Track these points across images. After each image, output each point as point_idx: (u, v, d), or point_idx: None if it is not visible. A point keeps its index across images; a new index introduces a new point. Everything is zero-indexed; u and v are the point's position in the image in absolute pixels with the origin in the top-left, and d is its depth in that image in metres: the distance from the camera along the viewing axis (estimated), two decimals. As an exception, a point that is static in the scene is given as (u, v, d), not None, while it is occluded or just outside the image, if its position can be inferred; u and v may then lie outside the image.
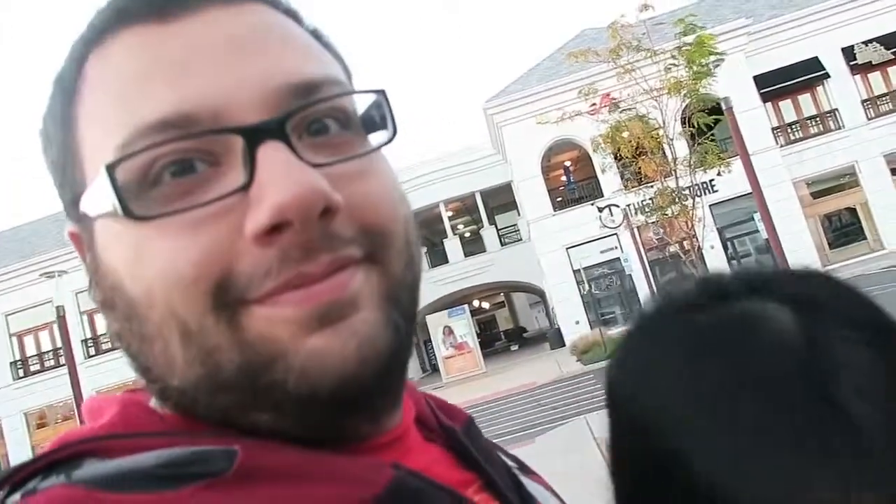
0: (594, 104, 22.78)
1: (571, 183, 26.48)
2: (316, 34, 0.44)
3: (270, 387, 0.36)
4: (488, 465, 0.46)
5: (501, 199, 30.04)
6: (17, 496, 0.34)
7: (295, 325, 0.36)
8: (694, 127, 6.86)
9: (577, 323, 23.24)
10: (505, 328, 41.46)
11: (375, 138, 0.42)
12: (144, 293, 0.37)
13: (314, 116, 0.39)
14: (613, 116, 7.56)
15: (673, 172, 7.22)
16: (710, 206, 7.54)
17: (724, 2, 27.77)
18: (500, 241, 28.78)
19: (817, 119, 24.98)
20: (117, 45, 0.39)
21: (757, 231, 22.55)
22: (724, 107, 8.00)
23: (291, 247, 0.36)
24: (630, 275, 22.53)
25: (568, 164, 26.64)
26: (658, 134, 7.32)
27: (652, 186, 7.91)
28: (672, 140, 7.22)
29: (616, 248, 23.64)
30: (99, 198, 0.38)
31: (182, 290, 0.36)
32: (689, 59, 6.54)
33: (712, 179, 7.52)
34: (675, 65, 6.81)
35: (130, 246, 0.37)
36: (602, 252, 24.05)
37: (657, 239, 23.63)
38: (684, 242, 22.50)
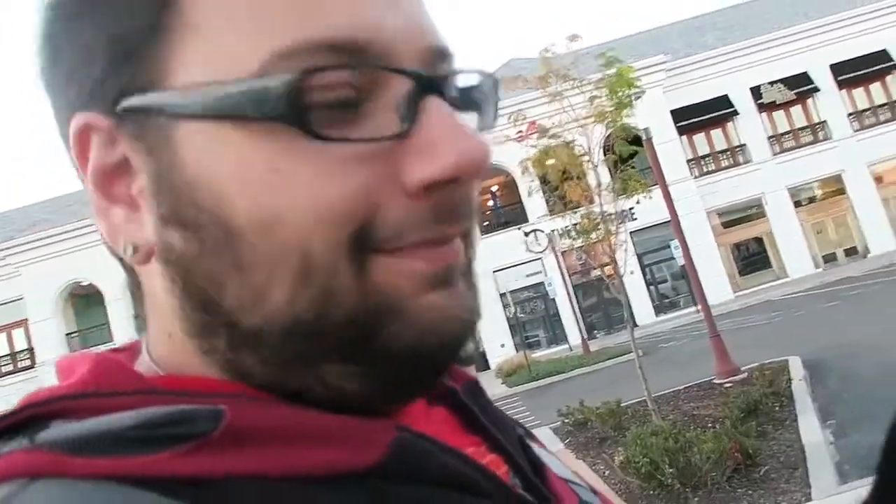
0: (521, 131, 23.49)
1: (498, 207, 26.95)
2: None
3: (377, 336, 0.35)
4: (495, 427, 0.45)
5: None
6: None
7: (419, 278, 0.35)
8: (616, 155, 7.13)
9: (503, 346, 23.51)
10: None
11: (479, 123, 0.41)
12: (269, 217, 0.33)
13: (456, 88, 0.39)
14: (542, 142, 7.73)
15: (598, 197, 7.44)
16: (629, 232, 7.83)
17: (644, 39, 29.24)
18: (428, 263, 28.87)
19: (728, 153, 26.48)
20: None
21: (673, 258, 23.60)
22: (643, 137, 8.34)
23: (445, 205, 0.35)
24: (554, 298, 23.05)
25: (495, 188, 27.11)
26: (583, 160, 7.55)
27: (576, 212, 8.11)
28: (596, 166, 7.45)
29: (541, 272, 24.16)
30: (233, 98, 0.33)
31: (323, 224, 0.33)
32: (611, 90, 6.82)
33: (632, 207, 7.78)
34: (598, 95, 7.09)
35: (262, 162, 0.33)
36: (527, 276, 24.53)
37: (581, 263, 24.39)
38: (607, 267, 23.53)
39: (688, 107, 25.46)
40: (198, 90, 0.34)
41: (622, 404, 8.08)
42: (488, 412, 0.46)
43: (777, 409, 6.72)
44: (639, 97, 7.36)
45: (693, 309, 23.10)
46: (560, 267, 20.48)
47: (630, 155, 7.26)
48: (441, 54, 0.38)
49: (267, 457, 0.32)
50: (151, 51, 0.35)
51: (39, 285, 24.32)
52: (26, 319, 24.97)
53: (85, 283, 24.67)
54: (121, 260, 0.39)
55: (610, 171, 7.74)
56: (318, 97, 0.33)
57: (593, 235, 7.30)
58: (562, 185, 8.08)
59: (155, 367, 0.39)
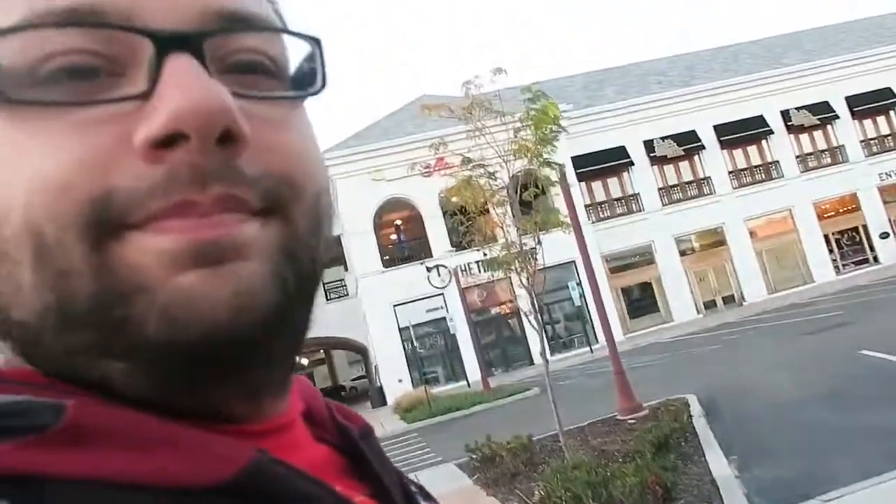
0: (429, 166, 23.74)
1: (402, 241, 26.86)
2: None
3: (125, 323, 0.32)
4: (383, 474, 0.42)
5: (329, 253, 29.61)
6: None
7: (167, 256, 0.32)
8: (537, 189, 7.24)
9: (401, 381, 23.19)
10: (323, 386, 40.26)
11: (300, 92, 0.39)
12: (2, 200, 0.32)
13: (240, 52, 0.36)
14: (462, 173, 7.72)
15: (513, 231, 7.49)
16: (521, 275, 7.90)
17: (547, 88, 30.42)
18: (326, 295, 28.25)
19: (622, 201, 27.85)
20: None
21: (570, 298, 24.36)
22: (556, 175, 8.49)
23: (182, 166, 0.32)
24: (455, 334, 23.06)
25: (399, 222, 27.04)
26: (502, 193, 7.59)
27: (490, 246, 8.13)
28: (514, 201, 7.51)
29: (442, 307, 24.15)
30: None
31: (48, 197, 0.31)
32: (536, 125, 6.93)
33: (540, 242, 7.89)
34: (521, 129, 7.18)
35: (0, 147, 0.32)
36: (428, 311, 24.45)
37: (481, 300, 24.65)
38: (510, 303, 23.92)
39: (587, 154, 26.63)
40: None
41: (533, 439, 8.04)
42: (379, 459, 0.44)
43: (683, 444, 6.91)
44: (558, 134, 7.50)
45: (586, 349, 23.83)
46: (463, 303, 20.48)
47: (535, 195, 7.37)
48: (222, 17, 0.35)
49: (105, 459, 0.30)
50: None
51: None
52: None
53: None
54: None
55: (518, 207, 7.82)
56: (53, 63, 0.32)
57: (515, 266, 7.29)
58: (478, 217, 8.09)
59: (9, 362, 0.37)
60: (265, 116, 0.35)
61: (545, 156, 7.28)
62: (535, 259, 7.38)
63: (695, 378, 11.63)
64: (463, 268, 23.39)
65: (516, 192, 7.67)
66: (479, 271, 23.76)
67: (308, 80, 0.39)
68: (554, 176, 7.97)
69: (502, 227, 7.82)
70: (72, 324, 0.32)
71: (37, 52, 0.32)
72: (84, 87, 0.32)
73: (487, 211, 8.02)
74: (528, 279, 7.30)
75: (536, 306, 7.29)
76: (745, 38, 35.49)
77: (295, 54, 0.39)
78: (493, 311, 25.57)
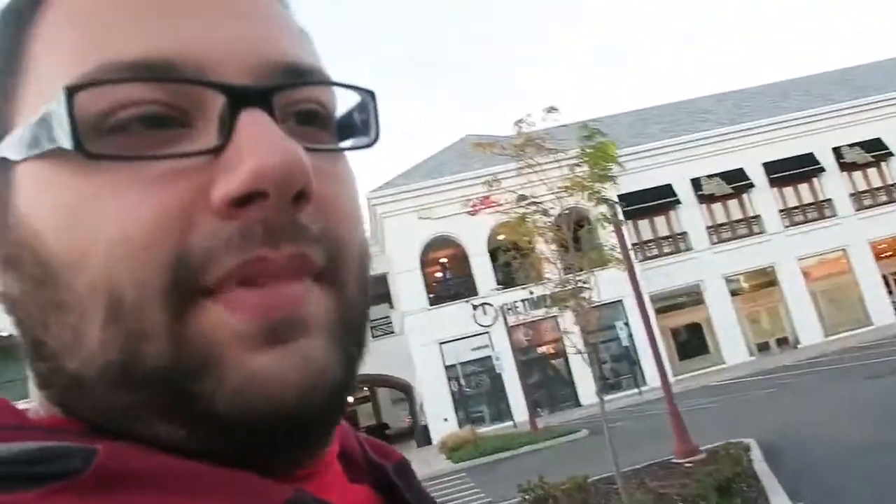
0: (475, 204, 23.94)
1: (447, 279, 26.95)
2: (301, 29, 0.40)
3: (194, 396, 0.31)
4: None
5: (375, 291, 29.84)
6: None
7: (241, 335, 0.32)
8: (590, 225, 7.28)
9: (446, 420, 23.01)
10: (367, 424, 40.17)
11: (353, 142, 0.39)
12: (75, 253, 0.32)
13: (298, 103, 0.36)
14: (517, 209, 7.80)
15: (570, 268, 7.50)
16: (572, 313, 7.89)
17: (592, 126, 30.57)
18: (371, 333, 28.33)
19: (669, 239, 27.49)
20: None
21: (618, 339, 23.96)
22: (608, 213, 8.49)
23: (255, 223, 0.32)
24: (500, 373, 22.85)
25: (445, 260, 27.18)
26: (557, 231, 7.63)
27: (544, 283, 8.14)
28: (570, 237, 7.53)
29: (488, 346, 24.02)
30: (39, 132, 0.33)
31: (130, 257, 0.31)
32: (593, 162, 6.99)
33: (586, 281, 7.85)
34: (578, 166, 7.25)
35: (68, 195, 0.32)
36: (474, 349, 24.34)
37: (527, 340, 24.44)
38: (554, 343, 23.64)
39: (632, 193, 26.49)
40: (21, 130, 0.34)
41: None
42: (417, 495, 0.43)
43: (745, 489, 6.71)
44: (611, 171, 7.54)
45: (634, 391, 23.31)
46: (510, 342, 20.35)
47: (588, 231, 7.39)
48: (284, 70, 0.35)
49: (137, 503, 0.30)
50: (4, 99, 0.36)
51: None
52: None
53: (4, 335, 23.06)
54: None
55: (572, 245, 7.83)
56: (125, 114, 0.32)
57: (570, 303, 7.28)
58: (529, 254, 8.12)
59: (40, 413, 0.37)
60: (322, 169, 0.35)
61: (601, 192, 7.31)
62: (590, 296, 7.35)
63: (752, 422, 11.27)
64: (509, 306, 23.31)
65: (570, 229, 7.70)
66: (525, 309, 23.68)
67: (357, 130, 0.39)
68: (608, 212, 7.98)
69: (556, 264, 7.84)
70: (135, 386, 0.32)
71: (107, 102, 0.32)
72: (153, 139, 0.32)
73: (537, 248, 8.06)
74: (582, 316, 7.27)
75: (590, 344, 7.23)
76: (794, 75, 35.08)
77: (343, 103, 0.39)
78: (539, 350, 25.31)
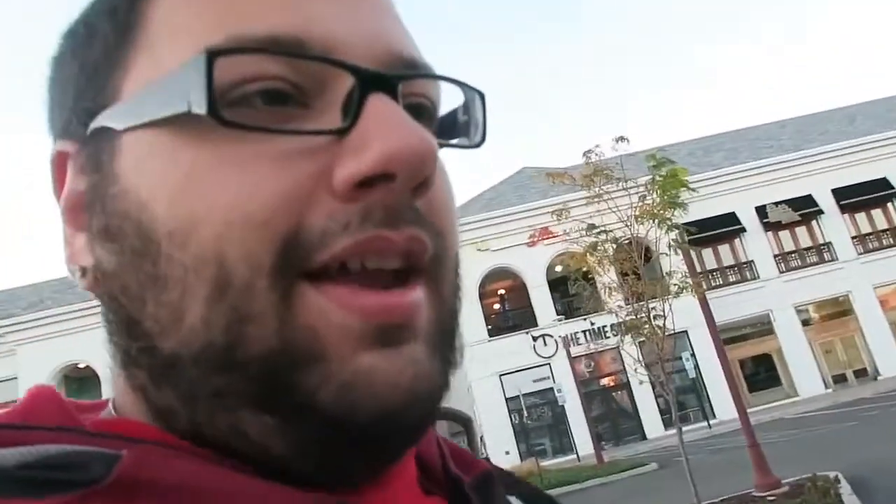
0: (532, 236, 23.97)
1: (506, 310, 26.89)
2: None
3: (297, 387, 0.30)
4: None
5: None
6: None
7: (350, 332, 0.31)
8: (653, 253, 7.25)
9: (508, 453, 22.74)
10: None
11: (459, 141, 0.39)
12: (185, 223, 0.31)
13: (413, 96, 0.36)
14: (587, 238, 7.83)
15: (640, 297, 7.45)
16: (638, 343, 7.81)
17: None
18: (430, 364, 28.46)
19: (735, 268, 26.79)
20: None
21: (684, 370, 23.34)
22: (679, 240, 8.40)
23: (377, 206, 0.31)
24: (563, 405, 22.53)
25: (503, 292, 27.17)
26: (630, 258, 7.62)
27: (616, 311, 8.09)
28: (642, 265, 7.50)
29: (549, 377, 23.76)
30: (160, 99, 0.32)
31: (244, 232, 0.30)
32: (663, 190, 7.00)
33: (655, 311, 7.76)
34: (647, 194, 7.27)
35: (185, 163, 0.31)
36: (535, 381, 24.11)
37: (589, 371, 24.10)
38: (617, 375, 23.22)
39: (695, 221, 26.00)
40: (133, 99, 0.33)
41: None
42: None
43: (836, 523, 6.43)
44: (685, 205, 7.51)
45: (702, 424, 22.57)
46: (572, 373, 20.09)
47: (655, 259, 7.34)
48: (404, 61, 0.35)
49: None
50: (110, 72, 0.35)
51: (35, 365, 23.77)
52: (17, 400, 24.26)
53: (82, 366, 24.14)
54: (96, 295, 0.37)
55: (641, 271, 7.78)
56: (248, 87, 0.31)
57: (644, 331, 7.22)
58: (598, 282, 8.12)
59: (111, 409, 0.37)
60: None
61: (673, 220, 7.29)
62: (664, 324, 7.28)
63: (834, 455, 10.78)
64: (570, 337, 23.07)
65: (640, 257, 7.67)
66: (587, 340, 23.40)
67: (460, 130, 0.39)
68: (679, 239, 7.93)
69: (623, 293, 7.80)
70: (234, 368, 0.30)
71: (234, 74, 0.31)
72: (272, 115, 0.32)
73: (605, 277, 8.04)
74: (656, 345, 7.19)
75: (666, 374, 7.14)
76: (860, 99, 34.11)
77: (448, 102, 0.39)
78: (602, 382, 24.87)
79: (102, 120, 0.34)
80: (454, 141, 0.39)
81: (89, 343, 22.85)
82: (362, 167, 0.31)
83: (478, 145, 0.39)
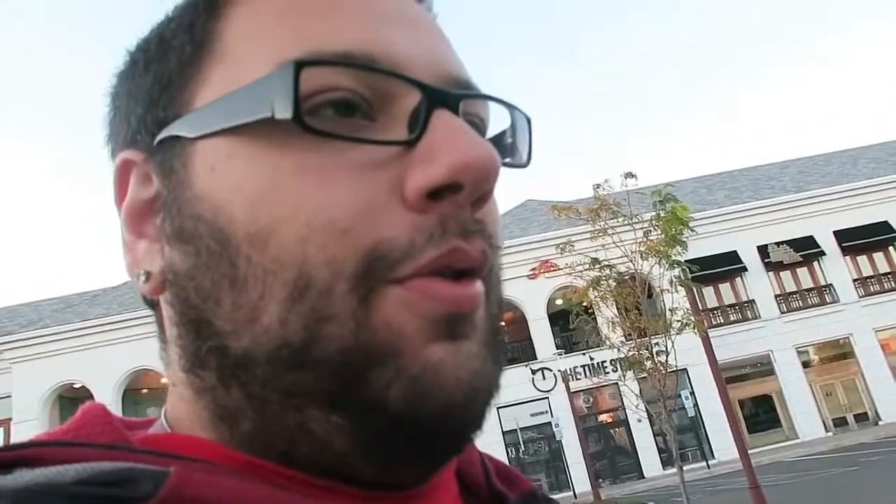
0: (534, 268, 23.95)
1: (506, 343, 26.72)
2: None
3: (370, 383, 0.31)
4: None
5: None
6: None
7: (427, 321, 0.32)
8: (656, 289, 7.26)
9: (503, 488, 22.38)
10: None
11: (509, 160, 0.40)
12: (265, 227, 0.32)
13: (469, 115, 0.37)
14: (589, 273, 7.84)
15: (643, 333, 7.43)
16: (637, 380, 7.76)
17: (650, 192, 30.52)
18: (428, 394, 28.23)
19: (736, 307, 26.70)
20: None
21: (684, 408, 23.10)
22: (682, 277, 8.40)
23: (450, 218, 0.32)
24: (560, 440, 22.27)
25: (503, 324, 26.96)
26: (633, 294, 7.62)
27: (609, 348, 8.07)
28: (645, 300, 7.50)
29: (546, 412, 23.53)
30: (240, 106, 0.33)
31: (327, 239, 0.31)
32: (666, 227, 7.03)
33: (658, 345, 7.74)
34: (650, 230, 7.30)
35: (265, 169, 0.32)
36: (533, 415, 23.85)
37: (587, 407, 23.86)
38: (615, 412, 22.99)
39: (697, 259, 26.04)
40: (209, 107, 0.35)
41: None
42: None
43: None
44: (685, 243, 7.54)
45: (701, 464, 22.29)
46: (571, 408, 19.90)
47: (656, 295, 7.34)
48: (460, 82, 0.37)
49: None
50: (185, 83, 0.37)
51: (29, 384, 23.52)
52: (10, 419, 23.99)
53: (77, 385, 23.96)
54: (146, 301, 0.38)
55: (643, 307, 7.76)
56: (320, 97, 0.33)
57: (647, 366, 7.18)
58: (599, 316, 8.10)
59: (164, 423, 0.37)
60: None
61: (674, 256, 7.30)
62: (667, 360, 7.25)
63: (834, 501, 10.62)
64: (570, 372, 22.91)
65: (643, 293, 7.67)
66: (587, 375, 23.22)
67: (506, 151, 0.40)
68: (682, 276, 7.93)
69: (624, 328, 7.78)
70: (308, 366, 0.31)
71: (311, 85, 0.32)
72: (342, 125, 0.33)
73: (606, 312, 8.02)
74: (657, 381, 7.15)
75: (668, 411, 7.08)
76: (864, 142, 34.39)
77: (494, 125, 0.41)
78: (600, 419, 24.62)
79: (174, 129, 0.35)
80: (505, 160, 0.40)
81: (85, 363, 22.78)
82: (435, 177, 0.32)
83: (525, 165, 0.40)
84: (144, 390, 25.01)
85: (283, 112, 0.31)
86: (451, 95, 0.35)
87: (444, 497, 0.38)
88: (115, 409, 22.62)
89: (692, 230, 7.56)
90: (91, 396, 23.65)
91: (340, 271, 0.31)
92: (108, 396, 23.04)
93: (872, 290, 26.77)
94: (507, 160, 0.40)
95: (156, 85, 0.38)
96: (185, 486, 0.29)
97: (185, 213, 0.35)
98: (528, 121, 0.40)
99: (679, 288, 7.62)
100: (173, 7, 0.40)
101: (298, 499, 0.31)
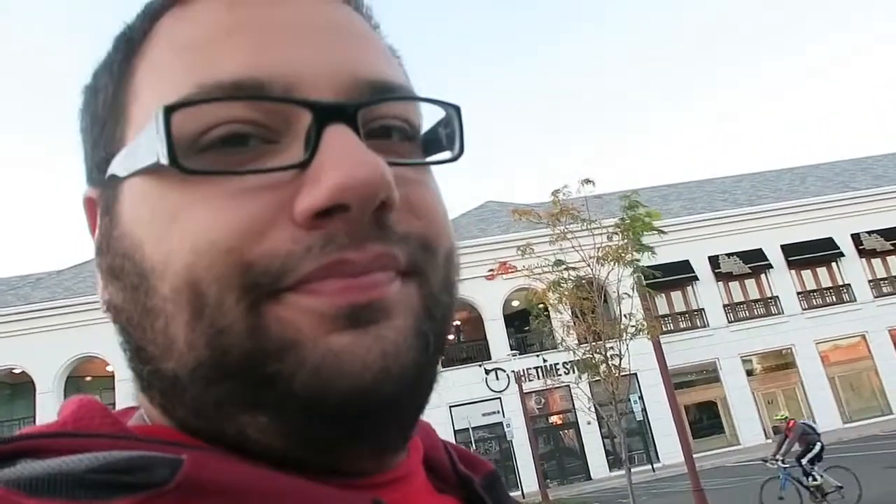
0: (492, 269, 24.10)
1: (460, 342, 26.84)
2: (391, 48, 0.43)
3: (275, 379, 0.33)
4: None
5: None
6: None
7: (319, 317, 0.33)
8: (605, 294, 7.40)
9: (453, 486, 22.48)
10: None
11: (438, 156, 0.41)
12: (163, 258, 0.34)
13: (383, 118, 0.38)
14: (551, 275, 7.94)
15: (598, 336, 7.56)
16: (588, 383, 7.91)
17: (611, 200, 31.03)
18: (380, 391, 28.12)
19: (686, 315, 27.37)
20: (199, 5, 0.38)
21: (632, 412, 23.57)
22: (639, 283, 8.59)
23: (339, 232, 0.33)
24: (511, 440, 22.47)
25: (458, 323, 27.14)
26: (590, 297, 7.74)
27: (564, 350, 8.20)
28: (601, 304, 7.63)
29: (498, 412, 23.71)
30: (142, 149, 0.35)
31: (212, 259, 0.33)
32: (633, 230, 7.17)
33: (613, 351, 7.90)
34: (615, 234, 7.43)
35: (164, 207, 0.34)
36: (485, 415, 24.01)
37: (538, 408, 24.13)
38: (565, 414, 23.37)
39: (651, 267, 26.50)
40: (126, 149, 0.37)
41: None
42: None
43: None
44: (651, 248, 7.69)
45: (646, 467, 22.76)
46: (523, 409, 20.10)
47: (618, 299, 7.48)
48: (372, 85, 0.37)
49: None
50: (114, 123, 0.38)
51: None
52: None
53: (17, 371, 23.11)
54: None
55: (599, 311, 7.90)
56: (211, 134, 0.34)
57: (600, 370, 7.32)
58: (553, 320, 8.21)
59: (144, 417, 0.39)
60: (406, 178, 0.37)
61: (638, 260, 7.45)
62: (621, 364, 7.39)
63: (774, 505, 10.97)
64: (523, 373, 23.13)
65: (601, 297, 7.81)
66: (540, 377, 23.48)
67: (443, 144, 0.40)
68: (639, 282, 8.10)
69: (579, 331, 7.91)
70: (223, 378, 0.33)
71: (200, 122, 0.34)
72: (241, 154, 0.34)
73: (563, 314, 8.14)
74: (612, 384, 7.29)
75: (619, 413, 7.22)
76: (811, 161, 35.62)
77: (428, 117, 0.41)
78: (550, 420, 24.93)
79: (112, 168, 0.37)
80: (435, 157, 0.40)
81: (27, 348, 21.98)
82: (315, 201, 0.32)
83: (455, 159, 0.40)
84: (89, 378, 24.26)
85: (163, 158, 0.33)
86: (343, 107, 0.35)
87: (416, 481, 0.40)
88: (58, 397, 21.97)
89: (662, 232, 7.71)
90: (32, 382, 22.86)
91: (228, 284, 0.32)
92: (49, 383, 22.32)
93: (815, 303, 27.77)
94: (441, 155, 0.40)
95: (94, 125, 0.40)
96: (199, 471, 0.31)
97: (114, 250, 0.37)
98: (457, 110, 0.40)
99: (636, 293, 7.78)
100: (107, 44, 0.41)
101: (302, 483, 0.32)
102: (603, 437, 24.29)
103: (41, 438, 0.32)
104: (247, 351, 0.33)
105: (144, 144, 0.35)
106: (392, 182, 0.33)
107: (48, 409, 21.89)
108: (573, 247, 7.85)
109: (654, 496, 15.42)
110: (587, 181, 8.10)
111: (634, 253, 7.22)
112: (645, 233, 7.14)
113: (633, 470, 23.10)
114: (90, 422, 0.35)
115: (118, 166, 0.37)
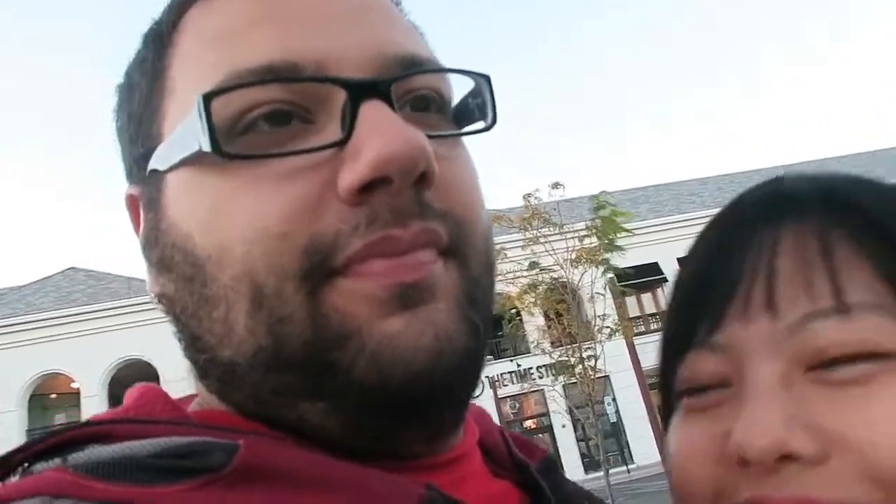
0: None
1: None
2: (414, 24, 0.44)
3: (335, 367, 0.33)
4: None
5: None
6: (17, 476, 0.32)
7: (372, 301, 0.33)
8: (591, 298, 7.43)
9: (429, 494, 22.38)
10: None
11: (470, 127, 0.41)
12: (218, 248, 0.34)
13: (416, 90, 0.38)
14: (525, 280, 7.95)
15: (573, 339, 7.58)
16: (563, 386, 7.97)
17: (580, 203, 31.35)
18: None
19: (657, 317, 27.69)
20: None
21: (606, 414, 23.73)
22: (612, 283, 8.63)
23: (382, 207, 0.34)
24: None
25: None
26: (564, 300, 7.77)
27: (538, 354, 8.22)
28: (574, 306, 7.66)
29: (473, 418, 23.68)
30: (181, 140, 0.36)
31: (267, 247, 0.33)
32: (604, 232, 7.21)
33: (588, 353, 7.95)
34: (587, 236, 7.48)
35: (210, 195, 0.35)
36: (459, 421, 23.96)
37: (513, 413, 24.16)
38: (539, 418, 23.44)
39: (621, 269, 26.79)
40: (166, 142, 0.37)
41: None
42: (562, 493, 0.43)
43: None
44: (623, 250, 7.75)
45: (622, 468, 22.92)
46: (498, 415, 20.12)
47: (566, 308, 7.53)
48: (401, 61, 0.37)
49: (277, 498, 0.31)
50: (151, 119, 0.39)
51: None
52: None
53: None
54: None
55: (573, 313, 7.93)
56: (252, 114, 0.34)
57: (578, 369, 7.34)
58: (555, 321, 8.22)
59: (203, 405, 0.40)
60: (441, 155, 0.36)
61: (611, 262, 7.50)
62: (596, 365, 7.42)
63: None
64: (496, 378, 23.12)
65: (574, 299, 7.84)
66: (512, 382, 23.50)
67: (474, 115, 0.41)
68: (611, 284, 8.15)
69: (562, 333, 7.92)
70: (282, 366, 0.34)
71: (237, 106, 0.34)
72: (280, 135, 0.35)
73: (535, 318, 8.15)
74: (588, 386, 7.31)
75: (596, 415, 7.25)
76: (779, 162, 36.44)
77: (458, 90, 0.41)
78: (525, 424, 24.98)
79: (152, 163, 0.38)
80: (469, 128, 0.40)
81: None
82: (356, 175, 0.33)
83: (489, 128, 0.40)
84: (53, 395, 23.59)
85: (205, 145, 0.34)
86: (376, 83, 0.35)
87: (472, 462, 0.40)
88: (21, 414, 21.31)
89: (630, 232, 7.78)
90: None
91: (285, 273, 0.33)
92: (12, 402, 21.66)
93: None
94: (472, 126, 0.40)
95: (131, 123, 0.41)
96: (255, 456, 0.31)
97: (162, 242, 0.37)
98: (487, 79, 0.40)
99: (609, 294, 7.84)
100: (139, 42, 0.41)
101: (355, 469, 0.33)
102: (578, 440, 24.41)
103: (108, 424, 0.33)
104: (307, 340, 0.33)
105: (184, 135, 0.35)
106: (431, 152, 0.34)
107: (11, 429, 21.23)
108: (546, 250, 7.87)
109: (630, 497, 15.51)
110: (556, 185, 8.15)
111: (605, 253, 7.26)
112: (616, 233, 7.19)
113: (609, 471, 23.35)
114: (152, 408, 0.37)
115: (158, 160, 0.37)
